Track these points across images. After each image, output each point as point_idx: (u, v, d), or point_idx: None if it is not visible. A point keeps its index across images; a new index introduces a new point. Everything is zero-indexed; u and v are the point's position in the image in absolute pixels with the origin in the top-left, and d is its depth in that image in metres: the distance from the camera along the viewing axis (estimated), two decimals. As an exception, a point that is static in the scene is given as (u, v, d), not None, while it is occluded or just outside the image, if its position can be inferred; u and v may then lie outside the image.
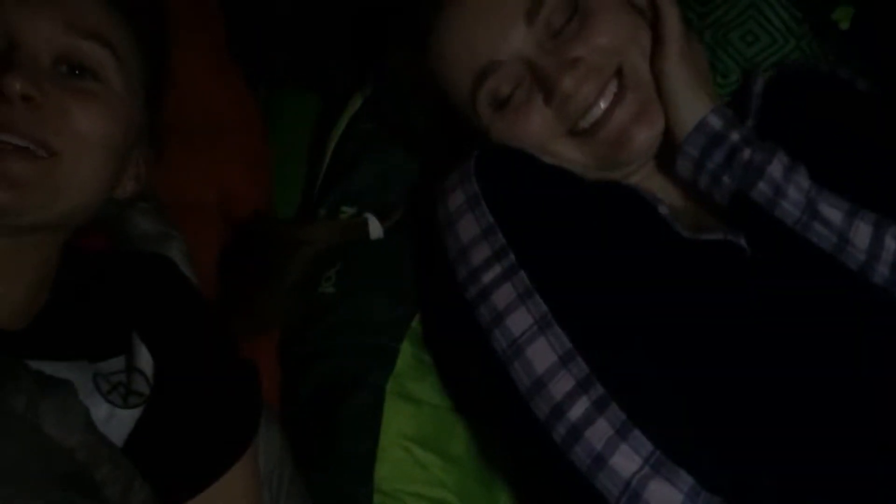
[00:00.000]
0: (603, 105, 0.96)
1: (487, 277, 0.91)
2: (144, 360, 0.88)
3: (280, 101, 1.25)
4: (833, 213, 0.92)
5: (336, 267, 1.10)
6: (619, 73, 0.97)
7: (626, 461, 0.82)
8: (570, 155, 0.99)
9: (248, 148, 1.18)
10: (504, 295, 0.90)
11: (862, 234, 0.91)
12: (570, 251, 0.92)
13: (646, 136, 0.97)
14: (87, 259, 0.95)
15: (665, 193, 1.01)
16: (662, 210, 0.97)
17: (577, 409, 0.84)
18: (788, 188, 0.92)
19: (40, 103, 0.82)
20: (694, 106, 0.96)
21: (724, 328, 0.90)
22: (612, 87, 0.97)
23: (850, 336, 0.90)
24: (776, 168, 0.93)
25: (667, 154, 0.99)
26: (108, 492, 0.80)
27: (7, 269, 0.86)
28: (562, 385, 0.85)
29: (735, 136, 0.94)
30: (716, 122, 0.95)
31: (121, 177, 0.92)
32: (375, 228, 1.08)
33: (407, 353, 1.07)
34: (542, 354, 0.87)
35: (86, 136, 0.85)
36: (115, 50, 0.88)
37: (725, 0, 1.19)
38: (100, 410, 0.82)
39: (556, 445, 0.85)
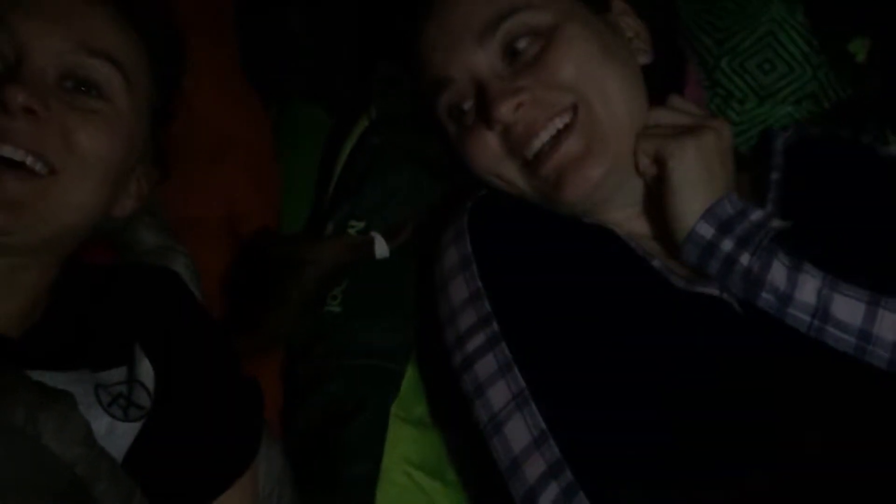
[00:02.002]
0: (546, 138, 0.94)
1: (472, 346, 0.90)
2: (146, 372, 0.87)
3: (290, 116, 1.24)
4: (850, 311, 0.87)
5: (342, 286, 1.08)
6: (573, 110, 0.94)
7: None
8: (518, 184, 0.97)
9: (257, 164, 1.18)
10: (486, 366, 0.89)
11: (888, 325, 0.86)
12: (553, 321, 0.90)
13: (585, 179, 0.93)
14: (91, 271, 0.94)
15: (658, 234, 0.98)
16: (656, 264, 0.94)
17: (548, 496, 0.83)
18: (794, 293, 0.88)
19: (43, 117, 0.81)
20: (688, 207, 0.92)
21: (713, 397, 0.87)
22: (560, 122, 0.94)
23: (854, 422, 0.86)
24: (777, 275, 0.89)
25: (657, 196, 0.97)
26: (105, 507, 0.79)
27: (1, 286, 0.85)
28: (535, 468, 0.84)
29: (728, 245, 0.90)
30: (706, 231, 0.91)
31: (120, 195, 0.91)
32: (381, 248, 1.07)
33: (412, 376, 1.06)
34: (517, 434, 0.86)
35: (86, 154, 0.84)
36: (125, 69, 0.87)
37: (743, 27, 1.18)
38: (100, 423, 0.81)
39: None
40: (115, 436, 0.82)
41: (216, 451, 0.89)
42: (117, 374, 0.85)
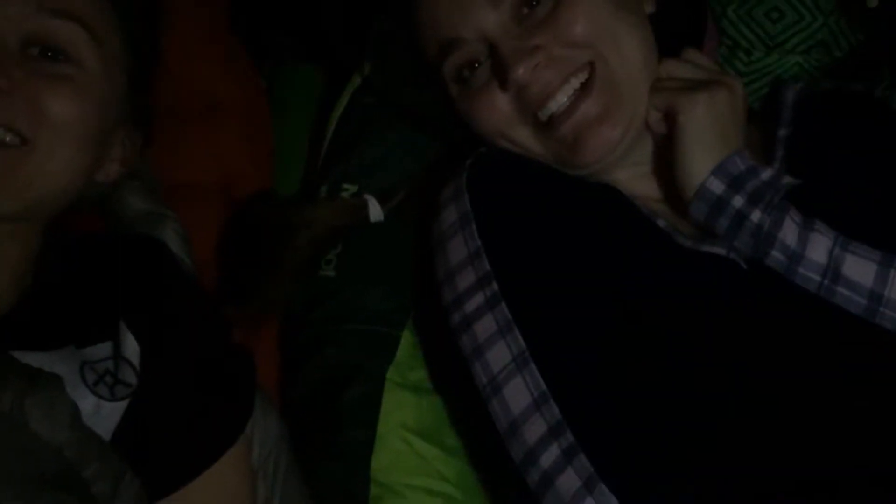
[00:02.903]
0: (563, 99, 0.91)
1: (471, 306, 0.89)
2: (131, 348, 0.86)
3: (283, 77, 1.23)
4: (861, 272, 0.86)
5: (336, 249, 1.07)
6: (590, 68, 0.91)
7: None
8: (529, 145, 0.95)
9: (250, 127, 1.16)
10: (485, 327, 0.87)
11: None
12: (556, 280, 0.88)
13: (603, 140, 0.91)
14: (74, 241, 0.93)
15: (663, 195, 0.96)
16: (661, 223, 0.92)
17: (549, 457, 0.82)
18: (805, 252, 0.86)
19: (8, 89, 0.79)
20: (698, 163, 0.89)
21: (715, 360, 0.85)
22: (576, 82, 0.91)
23: (862, 384, 0.85)
24: (788, 232, 0.87)
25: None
26: (96, 489, 0.79)
27: None
28: (535, 429, 0.83)
29: (739, 201, 0.88)
30: (717, 187, 0.88)
31: (102, 160, 0.90)
32: (375, 211, 1.05)
33: (408, 341, 1.05)
34: (517, 395, 0.85)
35: (58, 122, 0.82)
36: (91, 28, 0.84)
37: (750, -25, 1.14)
38: (86, 403, 0.81)
39: (530, 489, 0.83)
40: (102, 415, 0.82)
41: (205, 423, 0.88)
42: (102, 349, 0.85)
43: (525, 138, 0.94)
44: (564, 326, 0.87)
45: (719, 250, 0.90)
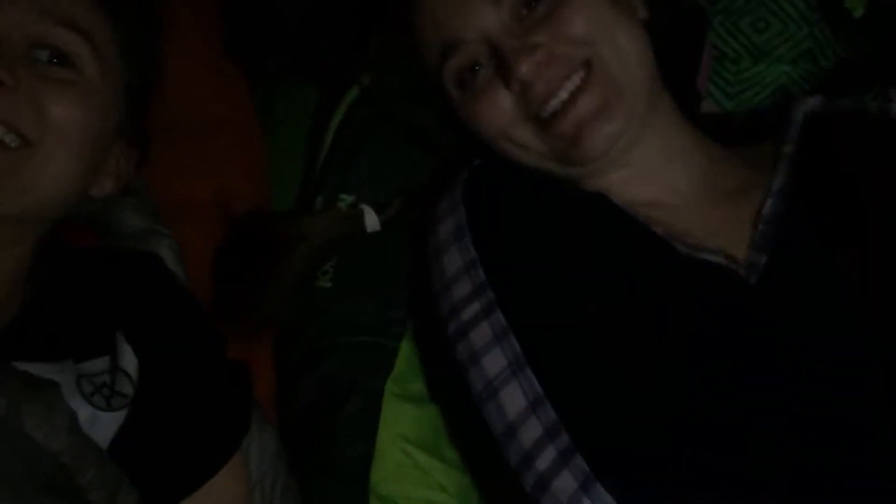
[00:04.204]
0: (564, 96, 0.92)
1: (467, 315, 0.89)
2: (129, 360, 0.86)
3: (277, 96, 1.23)
4: None
5: (333, 261, 1.07)
6: (587, 65, 0.92)
7: None
8: (531, 144, 0.95)
9: (244, 145, 1.17)
10: (481, 334, 0.88)
11: None
12: (550, 288, 0.89)
13: (603, 135, 0.92)
14: (71, 256, 0.93)
15: (662, 197, 0.97)
16: (658, 231, 0.92)
17: (545, 460, 0.82)
18: None
19: (13, 88, 0.80)
20: None
21: (709, 367, 0.85)
22: (577, 79, 0.92)
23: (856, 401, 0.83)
24: None
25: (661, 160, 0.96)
26: (92, 497, 0.79)
27: None
28: (531, 432, 0.83)
29: None
30: None
31: (98, 174, 0.90)
32: (372, 221, 1.05)
33: (406, 352, 1.04)
34: (513, 399, 0.85)
35: (61, 125, 0.82)
36: (92, 39, 0.85)
37: (735, -14, 1.16)
38: (83, 413, 0.80)
39: (526, 494, 0.83)
40: (99, 424, 0.81)
41: (202, 437, 0.89)
42: (100, 363, 0.84)
43: (527, 137, 0.95)
44: (559, 332, 0.87)
45: (717, 259, 0.90)
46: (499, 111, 0.94)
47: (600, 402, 0.83)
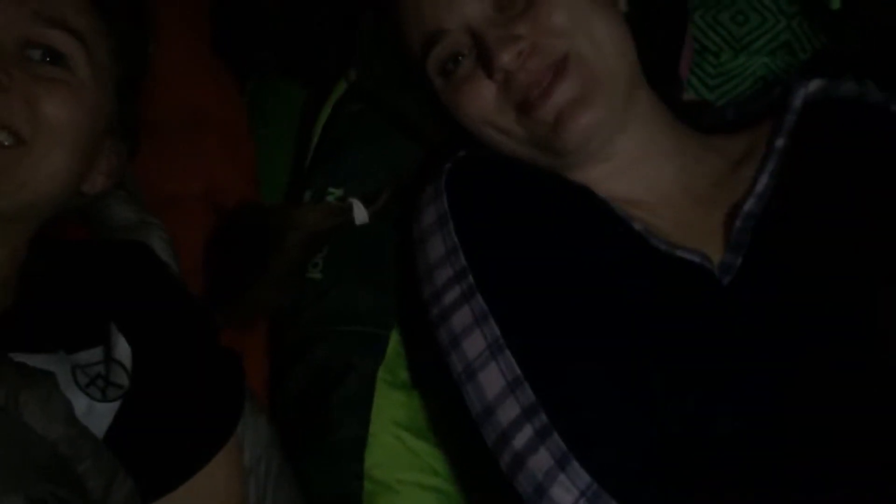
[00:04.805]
0: (545, 85, 0.94)
1: (448, 299, 0.91)
2: (123, 350, 0.87)
3: (265, 92, 1.24)
4: None
5: (322, 253, 1.08)
6: (565, 57, 0.94)
7: (564, 493, 0.81)
8: (513, 130, 0.97)
9: (232, 140, 1.18)
10: (461, 318, 0.90)
11: None
12: (528, 273, 0.91)
13: (583, 123, 0.93)
14: (62, 248, 0.93)
15: (642, 193, 0.98)
16: (637, 226, 0.94)
17: (521, 438, 0.84)
18: None
19: (6, 87, 0.80)
20: None
21: (685, 357, 0.86)
22: (556, 69, 0.94)
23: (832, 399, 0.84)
24: None
25: (645, 156, 0.97)
26: (90, 485, 0.79)
27: None
28: (508, 412, 0.85)
29: None
30: None
31: (90, 171, 0.91)
32: (360, 214, 1.06)
33: (396, 340, 1.06)
34: (492, 380, 0.86)
35: (53, 123, 0.83)
36: (83, 39, 0.86)
37: (715, -21, 1.17)
38: (79, 403, 0.81)
39: (503, 472, 0.85)
40: (95, 415, 0.82)
41: (195, 425, 0.89)
42: (94, 354, 0.85)
43: (509, 123, 0.97)
44: (538, 315, 0.89)
45: (694, 257, 0.91)
46: (481, 100, 0.96)
47: (577, 383, 0.85)
